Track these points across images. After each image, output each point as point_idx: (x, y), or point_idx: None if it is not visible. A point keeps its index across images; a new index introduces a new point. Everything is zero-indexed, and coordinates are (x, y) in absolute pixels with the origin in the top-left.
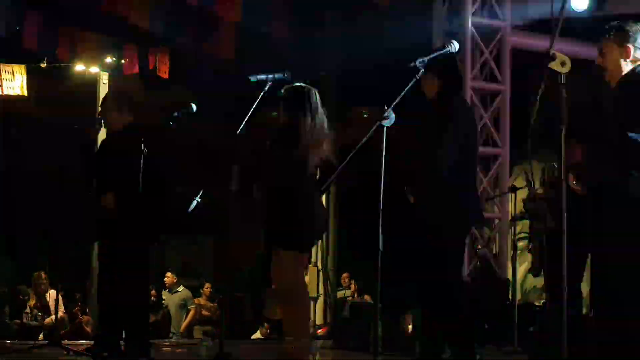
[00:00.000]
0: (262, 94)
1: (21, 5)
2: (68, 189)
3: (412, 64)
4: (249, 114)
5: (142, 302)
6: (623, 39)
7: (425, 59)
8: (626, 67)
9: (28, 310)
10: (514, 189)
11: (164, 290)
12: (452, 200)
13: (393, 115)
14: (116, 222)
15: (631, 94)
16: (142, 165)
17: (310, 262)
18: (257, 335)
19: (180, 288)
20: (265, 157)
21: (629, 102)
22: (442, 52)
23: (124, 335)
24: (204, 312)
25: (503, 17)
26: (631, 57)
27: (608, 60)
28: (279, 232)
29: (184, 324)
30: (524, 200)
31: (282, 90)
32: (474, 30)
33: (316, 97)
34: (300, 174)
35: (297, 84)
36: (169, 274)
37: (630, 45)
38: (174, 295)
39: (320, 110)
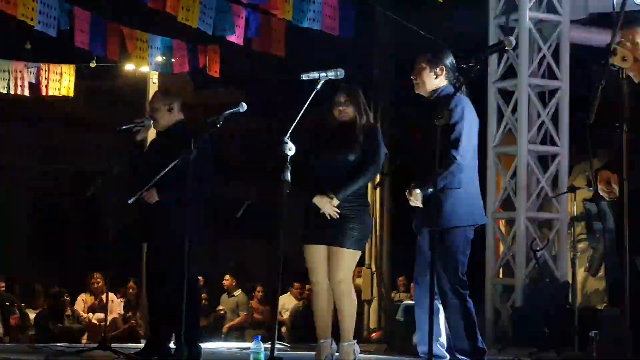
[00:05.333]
0: (314, 92)
1: (71, 4)
2: (117, 189)
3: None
4: (301, 113)
5: (192, 305)
6: None
7: (481, 55)
8: None
9: (69, 312)
10: (573, 189)
11: (224, 293)
12: None
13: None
14: (161, 224)
15: None
16: (190, 164)
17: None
18: None
19: (238, 292)
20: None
21: None
22: (497, 47)
23: (174, 339)
24: (256, 316)
25: (562, 11)
26: None
27: (631, 50)
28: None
29: (226, 326)
30: (584, 201)
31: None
32: (531, 25)
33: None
34: None
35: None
36: (227, 276)
37: None
38: (230, 299)
39: None
